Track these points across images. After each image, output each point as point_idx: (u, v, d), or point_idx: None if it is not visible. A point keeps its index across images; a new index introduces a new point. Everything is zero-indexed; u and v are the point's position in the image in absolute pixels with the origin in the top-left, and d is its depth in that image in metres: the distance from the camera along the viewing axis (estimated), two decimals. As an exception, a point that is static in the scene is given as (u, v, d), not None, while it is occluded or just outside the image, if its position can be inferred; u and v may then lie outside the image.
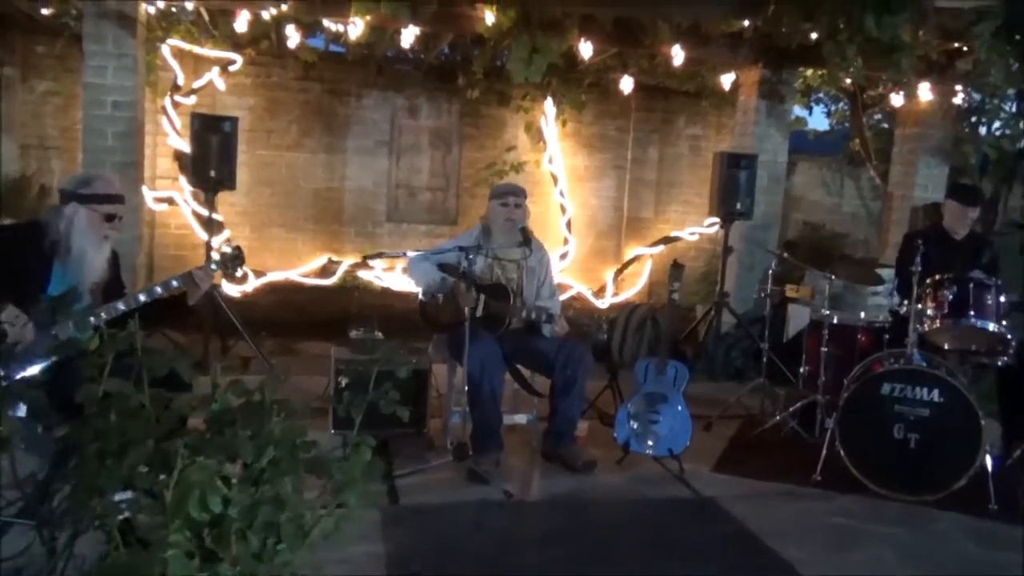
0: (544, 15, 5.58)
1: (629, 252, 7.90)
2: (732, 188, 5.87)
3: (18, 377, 2.53)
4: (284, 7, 5.46)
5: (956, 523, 3.47)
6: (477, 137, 7.61)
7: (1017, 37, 5.12)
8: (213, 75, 6.58)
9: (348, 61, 6.87)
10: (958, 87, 6.54)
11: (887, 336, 4.30)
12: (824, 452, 3.84)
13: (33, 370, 2.63)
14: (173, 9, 5.97)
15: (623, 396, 4.37)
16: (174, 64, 6.46)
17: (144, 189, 6.18)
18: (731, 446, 4.34)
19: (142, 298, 2.94)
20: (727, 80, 6.91)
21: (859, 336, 4.46)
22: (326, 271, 7.16)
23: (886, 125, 8.79)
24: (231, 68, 6.62)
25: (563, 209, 7.58)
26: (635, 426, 3.87)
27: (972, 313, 3.84)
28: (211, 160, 5.07)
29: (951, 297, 3.87)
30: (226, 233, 6.65)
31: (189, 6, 5.83)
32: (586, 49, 5.90)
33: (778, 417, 4.51)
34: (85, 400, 1.52)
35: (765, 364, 4.77)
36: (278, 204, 7.22)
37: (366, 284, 7.10)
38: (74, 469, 1.49)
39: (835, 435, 3.78)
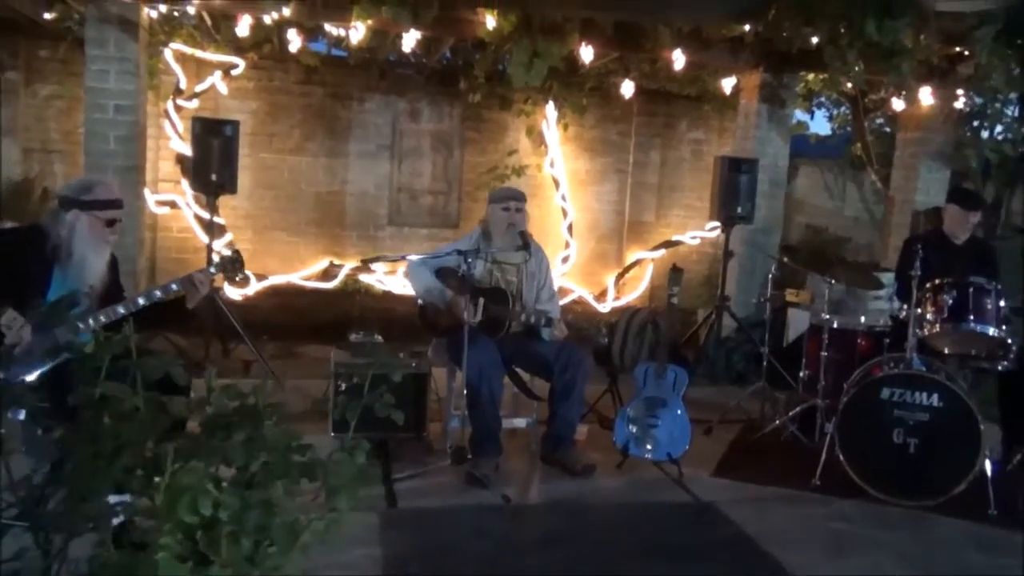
0: (545, 19, 5.60)
1: (630, 256, 7.90)
2: (733, 192, 5.87)
3: (18, 381, 2.54)
4: (286, 11, 5.48)
5: (955, 528, 3.46)
6: (479, 141, 7.61)
7: (1018, 41, 5.13)
8: (215, 79, 6.61)
9: (350, 65, 6.88)
10: (959, 91, 6.52)
11: (887, 340, 4.28)
12: (824, 456, 3.84)
13: (32, 374, 2.64)
14: (175, 13, 6.00)
15: (623, 400, 4.37)
16: (176, 68, 6.47)
17: (146, 192, 6.20)
18: (731, 450, 4.33)
19: (141, 301, 2.95)
20: (728, 84, 6.93)
21: (859, 340, 4.44)
22: (328, 275, 7.17)
23: (888, 129, 8.79)
24: (233, 72, 6.65)
25: (564, 213, 7.58)
26: (634, 430, 3.88)
27: (972, 317, 3.83)
28: (212, 164, 5.08)
29: (951, 301, 3.85)
30: (228, 236, 6.66)
31: (191, 10, 5.86)
32: (587, 53, 5.92)
33: (778, 421, 4.51)
34: (80, 403, 1.53)
35: (765, 368, 4.76)
36: (280, 208, 7.23)
37: (367, 288, 7.12)
38: (69, 472, 1.49)
39: (835, 439, 3.77)
